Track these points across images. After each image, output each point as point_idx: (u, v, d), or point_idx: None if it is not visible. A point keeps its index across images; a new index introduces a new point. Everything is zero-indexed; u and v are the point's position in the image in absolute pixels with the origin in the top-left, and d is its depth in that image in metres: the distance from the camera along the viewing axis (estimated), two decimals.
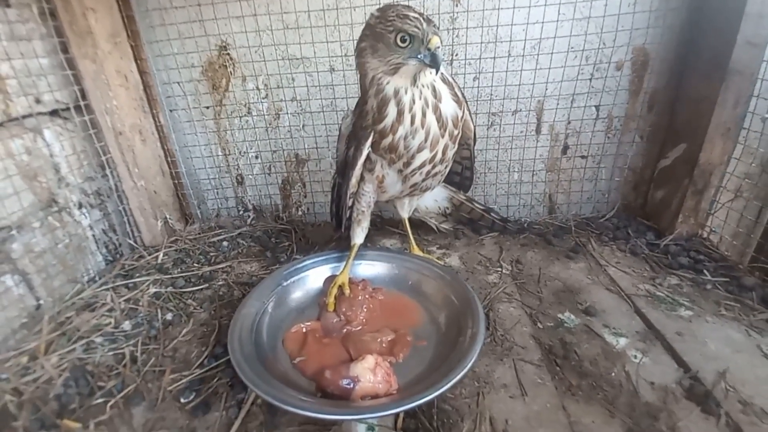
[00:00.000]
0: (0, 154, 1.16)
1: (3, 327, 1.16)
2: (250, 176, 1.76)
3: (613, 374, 0.92)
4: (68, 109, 1.35)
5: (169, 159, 1.61)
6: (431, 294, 1.16)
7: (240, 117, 1.64)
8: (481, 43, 1.42)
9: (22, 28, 1.20)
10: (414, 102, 0.99)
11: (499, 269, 1.34)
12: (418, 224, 1.56)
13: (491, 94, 1.52)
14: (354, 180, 1.13)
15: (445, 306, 1.10)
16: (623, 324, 1.06)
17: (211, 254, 1.54)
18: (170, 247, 1.57)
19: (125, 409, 0.92)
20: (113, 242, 1.55)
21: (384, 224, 1.66)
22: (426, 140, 1.03)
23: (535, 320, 1.10)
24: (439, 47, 0.89)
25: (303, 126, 1.65)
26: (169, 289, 1.34)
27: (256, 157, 1.73)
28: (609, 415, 0.83)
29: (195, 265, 1.47)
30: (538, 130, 1.57)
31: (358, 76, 1.05)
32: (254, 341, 0.98)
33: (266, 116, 1.64)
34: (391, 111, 0.99)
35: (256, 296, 1.10)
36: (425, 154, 1.06)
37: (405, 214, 1.36)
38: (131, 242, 1.55)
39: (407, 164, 1.07)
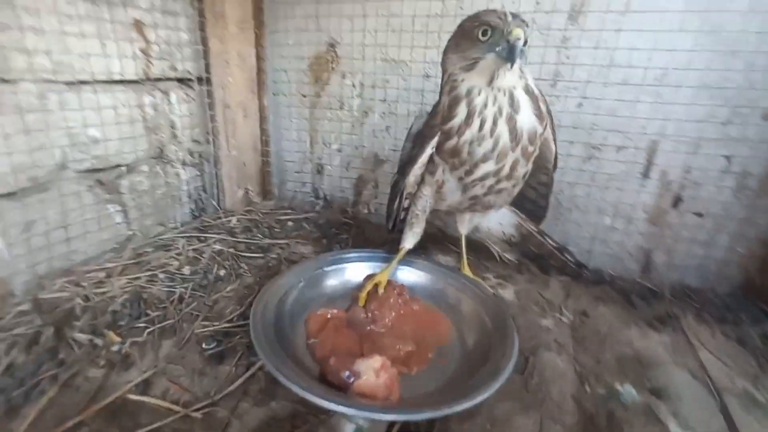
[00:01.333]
0: (133, 103, 1.39)
1: (98, 245, 1.37)
2: (329, 167, 1.84)
3: None
4: (194, 79, 1.57)
5: (263, 137, 1.76)
6: (467, 314, 1.06)
7: (332, 110, 1.73)
8: (593, 65, 1.29)
9: (175, 5, 1.44)
10: (486, 106, 0.93)
11: (558, 316, 1.17)
12: (479, 247, 1.45)
13: (594, 124, 1.36)
14: (412, 178, 1.09)
15: (478, 330, 0.99)
16: (699, 419, 0.83)
17: (276, 230, 1.63)
18: (244, 215, 1.70)
19: (158, 339, 1.00)
20: (202, 200, 1.74)
21: (445, 239, 1.58)
22: (493, 150, 0.95)
23: (583, 381, 0.92)
24: (520, 39, 0.83)
25: (387, 128, 1.67)
26: (231, 250, 1.44)
27: (339, 151, 1.80)
28: None
29: (258, 235, 1.57)
30: (645, 173, 1.36)
31: (441, 73, 1.03)
32: (277, 312, 0.99)
33: (356, 113, 1.70)
34: (461, 111, 0.94)
35: (294, 272, 1.13)
36: (489, 166, 0.98)
37: (464, 230, 1.28)
38: (215, 203, 1.71)
39: (469, 172, 1.01)
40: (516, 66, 0.88)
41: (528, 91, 0.95)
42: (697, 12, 1.14)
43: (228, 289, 1.23)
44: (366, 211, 1.82)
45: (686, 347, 1.07)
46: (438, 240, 1.57)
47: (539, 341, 1.05)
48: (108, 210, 1.38)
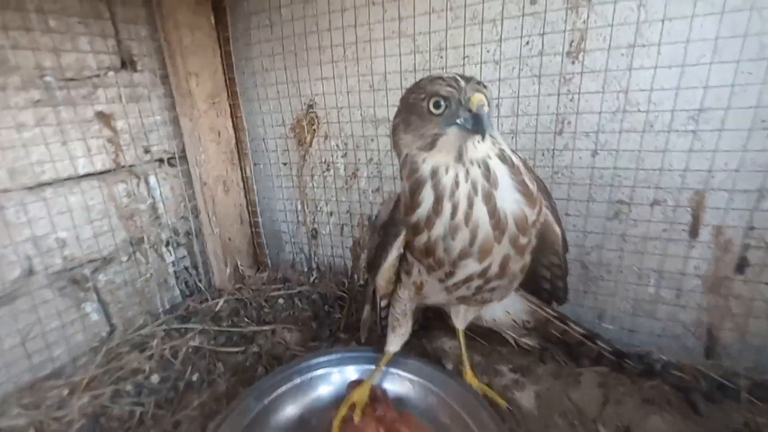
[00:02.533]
0: (104, 197, 1.32)
1: (74, 349, 1.28)
2: (324, 233, 1.69)
3: None
4: (174, 158, 1.50)
5: (250, 208, 1.65)
6: None
7: (319, 174, 1.59)
8: (603, 112, 1.05)
9: (144, 90, 1.38)
10: (458, 184, 0.73)
11: None
12: (492, 333, 1.21)
13: (617, 176, 1.10)
14: (383, 282, 0.90)
15: None
16: None
17: (265, 310, 1.49)
18: (232, 295, 1.57)
19: None
20: (193, 279, 1.64)
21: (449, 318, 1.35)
22: (472, 244, 0.74)
23: None
24: (483, 105, 0.66)
25: (377, 189, 1.50)
26: (210, 344, 1.31)
27: (331, 215, 1.65)
28: None
29: (245, 319, 1.44)
30: (693, 232, 1.08)
31: (396, 154, 0.85)
32: None
33: (344, 175, 1.55)
34: (427, 197, 0.75)
35: (256, 394, 0.95)
36: (472, 265, 0.77)
37: (459, 324, 1.06)
38: (201, 284, 1.61)
39: (449, 274, 0.80)
40: (488, 135, 0.70)
41: (504, 159, 0.75)
42: (731, 38, 0.87)
43: (195, 404, 1.08)
44: (362, 280, 1.64)
45: None
46: (443, 318, 1.35)
47: None
48: (84, 309, 1.31)
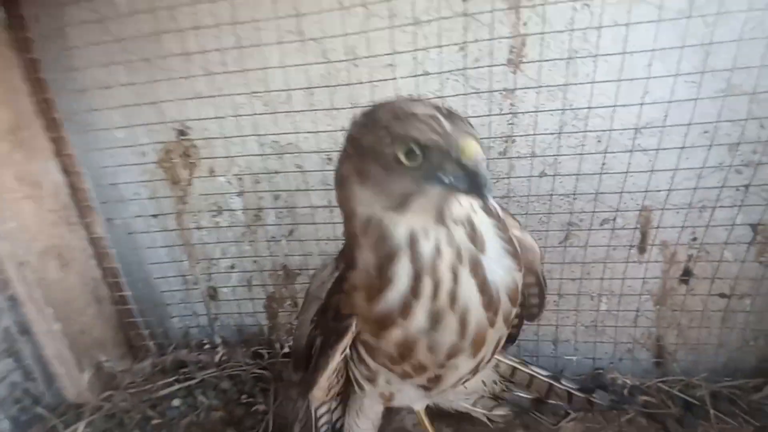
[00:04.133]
0: None
1: None
2: (226, 291, 1.31)
3: None
4: None
5: (108, 281, 1.18)
6: None
7: (208, 220, 1.21)
8: (552, 131, 0.91)
9: None
10: (440, 253, 0.52)
11: None
12: (459, 416, 1.01)
13: (567, 196, 0.99)
14: (319, 393, 0.63)
15: None
16: None
17: (153, 423, 1.07)
18: (99, 408, 1.11)
19: None
20: (30, 395, 1.11)
21: None
22: (463, 335, 0.55)
23: None
24: (481, 159, 0.47)
25: (291, 232, 1.18)
26: None
27: (232, 267, 1.27)
28: None
29: None
30: (642, 248, 1.04)
31: (344, 217, 0.58)
32: None
33: (243, 219, 1.20)
34: (402, 272, 0.53)
35: None
36: (465, 364, 0.58)
37: (418, 405, 0.83)
38: (42, 408, 1.09)
39: (436, 380, 0.58)
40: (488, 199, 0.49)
41: (489, 211, 0.57)
42: (683, 48, 0.79)
43: None
44: (287, 346, 1.31)
45: None
46: None
47: None
48: None
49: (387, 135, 0.48)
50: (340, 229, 1.10)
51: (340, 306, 0.59)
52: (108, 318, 1.20)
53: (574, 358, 1.13)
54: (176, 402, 1.13)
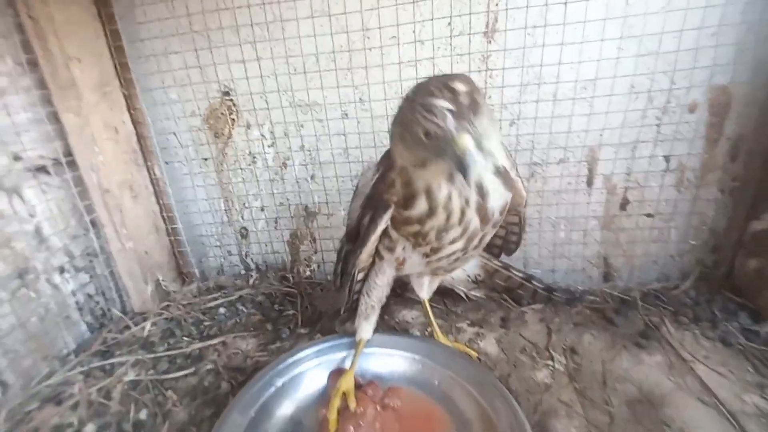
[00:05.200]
0: None
1: None
2: (255, 231, 1.58)
3: None
4: (53, 165, 1.22)
5: (165, 215, 1.44)
6: (463, 403, 0.90)
7: (244, 167, 1.48)
8: (521, 85, 1.20)
9: (2, 81, 1.08)
10: (450, 199, 0.77)
11: (550, 362, 1.07)
12: (445, 291, 1.31)
13: (532, 142, 1.28)
14: (365, 255, 0.91)
15: (481, 420, 0.84)
16: None
17: (205, 324, 1.34)
18: (160, 314, 1.38)
19: None
20: (101, 308, 1.38)
21: (405, 287, 1.41)
22: (462, 235, 0.82)
23: None
24: (470, 152, 0.65)
25: (312, 177, 1.46)
26: (150, 374, 1.13)
27: (262, 210, 1.55)
28: None
29: (184, 339, 1.27)
30: (590, 182, 1.32)
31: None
32: None
33: (273, 166, 1.47)
34: (421, 205, 0.79)
35: (239, 408, 0.87)
36: (458, 246, 0.85)
37: (424, 295, 1.12)
38: (117, 311, 1.36)
39: (435, 250, 0.86)
40: (473, 169, 0.68)
41: (498, 172, 0.79)
42: (616, 19, 1.09)
43: None
44: (308, 271, 1.59)
45: (680, 365, 1.02)
46: (398, 293, 1.41)
47: (544, 406, 0.93)
48: None
49: (414, 119, 0.67)
50: (355, 170, 1.39)
51: (383, 195, 0.84)
52: (164, 246, 1.46)
53: (539, 271, 1.42)
54: (221, 310, 1.40)
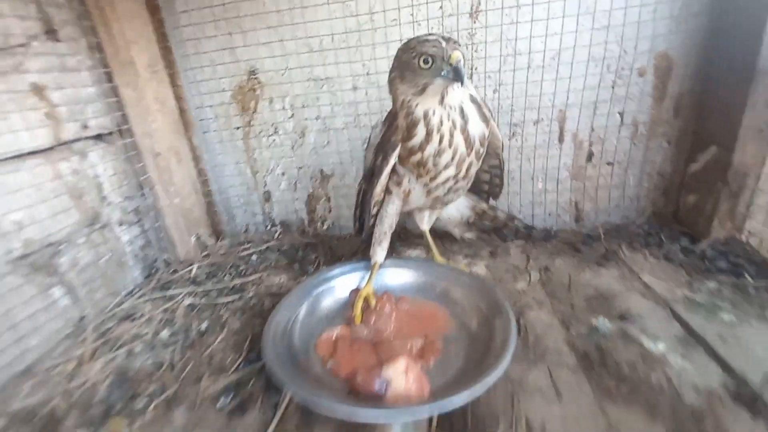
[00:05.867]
0: (50, 175, 1.25)
1: (51, 337, 1.22)
2: (277, 192, 1.83)
3: (653, 379, 0.89)
4: (111, 133, 1.45)
5: (201, 178, 1.69)
6: (460, 300, 1.16)
7: (267, 136, 1.72)
8: (500, 56, 1.46)
9: (72, 60, 1.31)
10: (442, 123, 1.02)
11: (527, 277, 1.33)
12: (442, 234, 1.57)
13: (512, 106, 1.54)
14: (379, 188, 1.16)
15: (475, 312, 1.10)
16: (661, 329, 1.03)
17: (241, 267, 1.59)
18: (203, 261, 1.63)
19: (166, 412, 0.95)
20: (149, 257, 1.62)
21: (408, 235, 1.67)
22: (453, 159, 1.07)
23: (567, 326, 1.08)
24: (460, 61, 0.92)
25: (327, 143, 1.71)
26: (203, 300, 1.38)
27: (283, 174, 1.79)
28: (650, 418, 0.80)
29: (226, 277, 1.52)
30: (561, 139, 1.58)
31: (392, 99, 1.11)
32: (287, 346, 1.00)
33: (292, 135, 1.71)
34: (420, 131, 1.04)
35: (286, 305, 1.13)
36: (450, 171, 1.10)
37: (425, 226, 1.38)
38: (166, 257, 1.61)
39: (433, 179, 1.11)
40: (464, 83, 0.97)
41: (473, 100, 1.06)
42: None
43: (218, 340, 1.19)
44: (324, 226, 1.85)
45: (630, 275, 1.29)
46: (402, 237, 1.67)
47: (522, 303, 1.19)
48: (53, 295, 1.24)
49: (414, 52, 0.95)
50: (364, 135, 1.63)
51: (391, 138, 1.10)
52: (201, 205, 1.71)
53: (521, 216, 1.68)
54: (254, 257, 1.65)
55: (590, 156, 1.59)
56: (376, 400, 0.85)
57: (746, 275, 1.19)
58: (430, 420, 0.84)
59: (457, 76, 0.93)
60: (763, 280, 1.16)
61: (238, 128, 1.70)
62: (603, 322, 1.07)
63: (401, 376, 0.86)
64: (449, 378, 0.91)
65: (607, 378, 0.90)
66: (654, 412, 0.81)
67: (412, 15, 1.45)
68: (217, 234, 1.80)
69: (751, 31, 1.15)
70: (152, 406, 0.96)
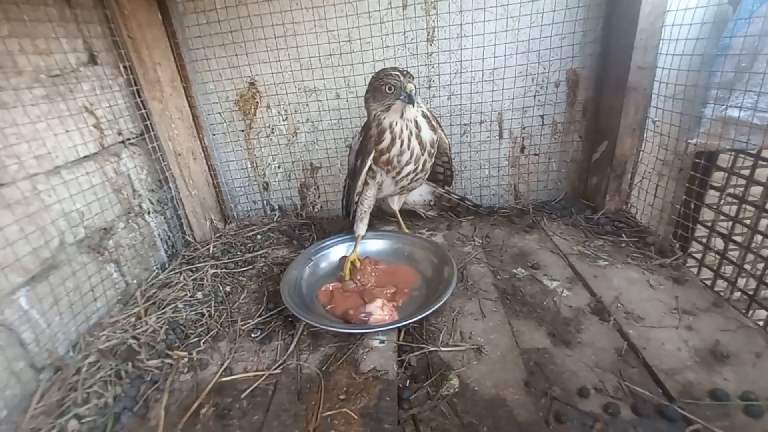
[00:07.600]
0: (99, 174, 1.59)
1: (108, 301, 1.58)
2: (274, 183, 2.19)
3: (545, 303, 1.35)
4: (137, 137, 1.78)
5: (211, 172, 2.04)
6: (421, 260, 1.60)
7: (265, 136, 2.08)
8: (450, 74, 1.87)
9: (109, 80, 1.63)
10: (402, 131, 1.44)
11: (473, 242, 1.78)
12: (409, 213, 1.99)
13: (462, 110, 1.96)
14: (360, 182, 1.57)
15: (430, 266, 1.54)
16: (558, 273, 1.50)
17: (250, 245, 1.97)
18: (217, 241, 1.99)
19: (214, 343, 1.35)
20: (171, 240, 1.98)
21: (383, 214, 2.09)
22: (411, 157, 1.48)
23: (495, 274, 1.53)
24: (413, 90, 1.33)
25: (316, 141, 2.08)
26: (224, 270, 1.76)
27: (279, 167, 2.16)
28: (538, 325, 1.26)
29: (238, 253, 1.90)
30: (500, 136, 2.01)
31: (366, 114, 1.50)
32: (298, 296, 1.41)
33: (286, 134, 2.07)
34: (387, 137, 1.44)
35: (294, 266, 1.53)
36: (411, 167, 1.51)
37: (396, 207, 1.81)
38: (188, 238, 1.97)
39: (398, 173, 1.52)
40: (416, 105, 1.39)
41: (424, 115, 1.48)
42: (505, 31, 1.76)
43: (242, 298, 1.58)
44: (315, 210, 2.24)
45: (546, 237, 1.75)
46: (378, 216, 2.08)
47: (466, 260, 1.64)
48: (108, 270, 1.59)
49: (381, 81, 1.36)
50: (346, 135, 2.02)
51: (366, 146, 1.50)
52: (212, 195, 2.06)
53: (472, 197, 2.13)
54: (259, 237, 2.03)
55: (523, 149, 2.04)
56: (363, 323, 1.28)
57: (623, 235, 1.67)
58: (399, 333, 1.28)
59: (410, 100, 1.34)
60: (634, 237, 1.65)
61: (240, 130, 2.05)
62: (520, 271, 1.53)
63: (379, 309, 1.29)
64: (413, 311, 1.35)
65: (516, 304, 1.36)
66: (541, 322, 1.27)
67: (382, 40, 1.83)
68: (225, 219, 2.17)
69: (623, 57, 1.60)
70: (203, 341, 1.36)
